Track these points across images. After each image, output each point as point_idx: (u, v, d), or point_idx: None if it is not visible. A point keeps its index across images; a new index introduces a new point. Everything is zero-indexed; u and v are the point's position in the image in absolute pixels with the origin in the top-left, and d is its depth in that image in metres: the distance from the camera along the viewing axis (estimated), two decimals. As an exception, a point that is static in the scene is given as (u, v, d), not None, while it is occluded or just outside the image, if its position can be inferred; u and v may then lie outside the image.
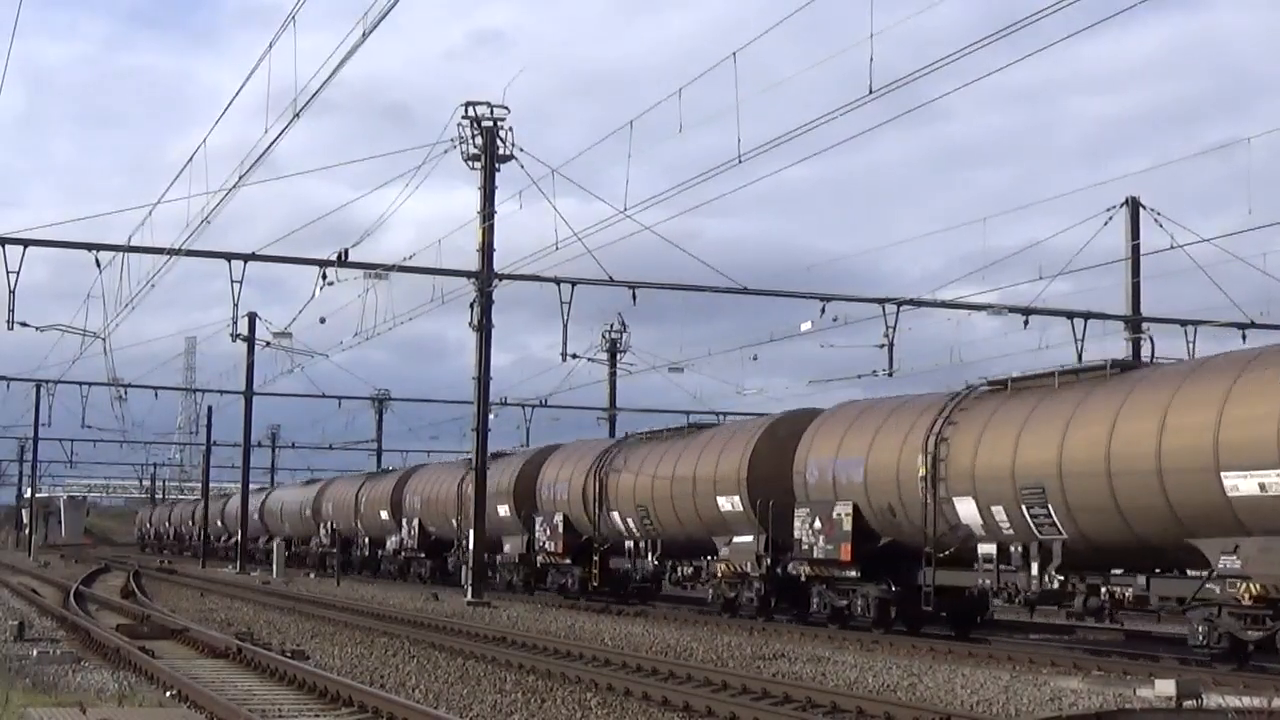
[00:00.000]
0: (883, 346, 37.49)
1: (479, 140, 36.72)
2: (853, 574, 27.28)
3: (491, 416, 39.35)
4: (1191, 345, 38.29)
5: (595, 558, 38.01)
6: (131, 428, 72.89)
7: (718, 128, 25.44)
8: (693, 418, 53.83)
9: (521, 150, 36.58)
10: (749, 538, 30.68)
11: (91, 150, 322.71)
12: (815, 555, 27.92)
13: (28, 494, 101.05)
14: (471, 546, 37.94)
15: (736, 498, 30.81)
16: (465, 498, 43.68)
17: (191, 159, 32.15)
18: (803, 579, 28.87)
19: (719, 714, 15.10)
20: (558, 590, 40.43)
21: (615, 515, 36.71)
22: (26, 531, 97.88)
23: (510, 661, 20.20)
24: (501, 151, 36.70)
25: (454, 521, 46.55)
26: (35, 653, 20.10)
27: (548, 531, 40.27)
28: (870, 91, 20.75)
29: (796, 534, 28.40)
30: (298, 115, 25.21)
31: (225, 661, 20.18)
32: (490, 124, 36.67)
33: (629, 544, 36.59)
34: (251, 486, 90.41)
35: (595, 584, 38.26)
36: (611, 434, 53.95)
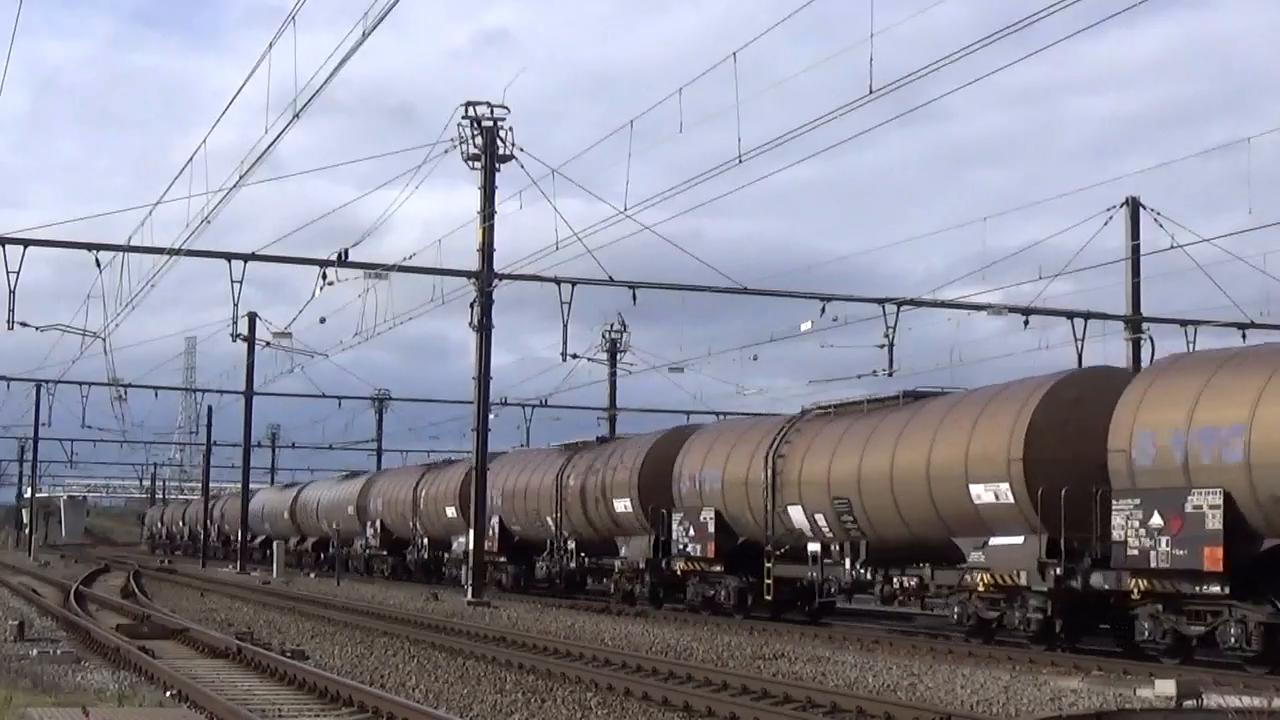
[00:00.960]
0: (883, 347, 37.49)
1: (479, 140, 36.75)
2: (1216, 589, 20.20)
3: (492, 416, 39.34)
4: (1191, 345, 38.32)
5: (769, 564, 30.54)
6: (131, 428, 72.88)
7: (721, 127, 25.44)
8: (693, 418, 53.99)
9: (522, 150, 36.66)
10: (1017, 539, 23.65)
11: (96, 150, 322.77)
12: (1152, 563, 20.79)
13: (28, 494, 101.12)
14: (472, 546, 37.94)
15: (1004, 485, 23.64)
16: (566, 490, 39.87)
17: (191, 159, 32.21)
18: (1135, 595, 21.62)
19: (719, 714, 15.10)
20: (702, 605, 33.11)
21: (796, 511, 29.60)
22: (26, 531, 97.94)
23: (510, 661, 20.21)
24: (501, 151, 36.71)
25: (549, 520, 40.62)
26: (35, 653, 20.11)
27: (690, 531, 33.16)
28: (870, 91, 20.76)
29: (1117, 533, 21.37)
30: (298, 115, 25.25)
31: (225, 661, 20.18)
32: (490, 124, 36.70)
33: (813, 548, 29.22)
34: (267, 485, 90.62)
35: (768, 596, 30.81)
36: (611, 434, 53.72)
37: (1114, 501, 21.52)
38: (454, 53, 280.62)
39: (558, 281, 36.60)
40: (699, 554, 32.89)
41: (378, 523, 57.65)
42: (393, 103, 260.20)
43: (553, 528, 40.68)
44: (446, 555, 49.83)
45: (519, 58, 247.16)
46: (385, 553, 57.38)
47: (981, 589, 24.51)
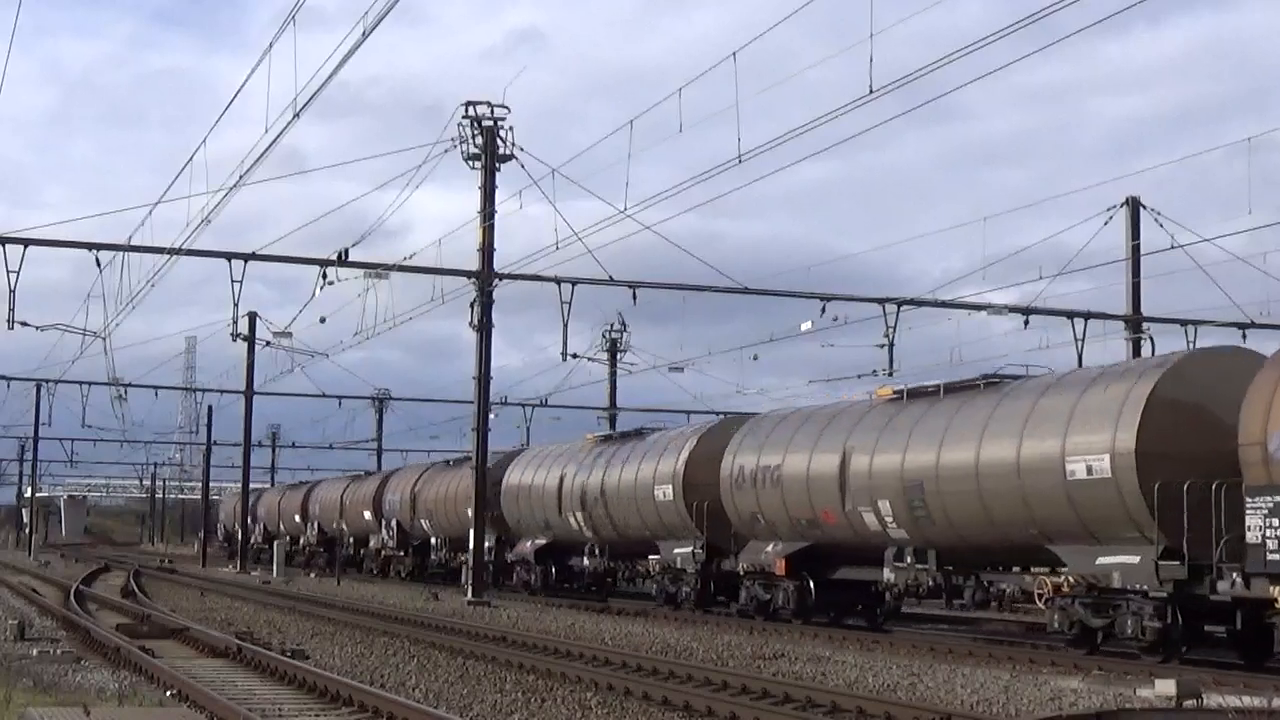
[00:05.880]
0: (882, 346, 37.49)
1: (480, 140, 36.76)
2: None
3: (491, 416, 39.33)
4: (1192, 345, 38.33)
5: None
6: (131, 427, 72.82)
7: (730, 127, 25.49)
8: (693, 418, 53.96)
9: (522, 150, 36.70)
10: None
11: (115, 150, 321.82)
12: None
13: (28, 494, 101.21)
14: (472, 545, 37.93)
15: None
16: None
17: (191, 159, 32.23)
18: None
19: (719, 714, 15.10)
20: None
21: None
22: (27, 531, 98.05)
23: (510, 661, 20.20)
24: (501, 151, 36.75)
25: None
26: (35, 652, 20.12)
27: None
28: (870, 91, 20.75)
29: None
30: (298, 115, 25.28)
31: (225, 661, 20.19)
32: (490, 124, 36.72)
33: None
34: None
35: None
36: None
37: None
38: (485, 51, 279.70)
39: (558, 281, 36.61)
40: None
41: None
42: (422, 102, 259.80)
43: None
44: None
45: (547, 57, 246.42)
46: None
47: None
